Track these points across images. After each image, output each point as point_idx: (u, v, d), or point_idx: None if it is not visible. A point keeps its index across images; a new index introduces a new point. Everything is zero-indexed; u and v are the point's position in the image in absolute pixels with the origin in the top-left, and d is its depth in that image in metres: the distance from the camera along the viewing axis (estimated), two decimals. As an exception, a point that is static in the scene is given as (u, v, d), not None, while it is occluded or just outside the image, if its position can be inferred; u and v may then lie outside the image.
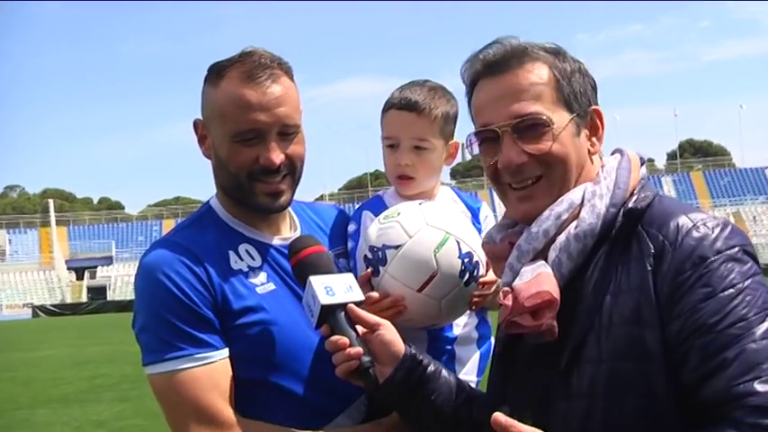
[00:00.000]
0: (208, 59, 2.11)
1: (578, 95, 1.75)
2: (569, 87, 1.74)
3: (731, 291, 1.51)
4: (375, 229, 2.18)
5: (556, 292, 1.62)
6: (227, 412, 1.92)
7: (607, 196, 1.68)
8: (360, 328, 1.90)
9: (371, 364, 1.84)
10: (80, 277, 74.32)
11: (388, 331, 1.91)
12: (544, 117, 1.70)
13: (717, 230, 1.58)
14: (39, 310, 57.97)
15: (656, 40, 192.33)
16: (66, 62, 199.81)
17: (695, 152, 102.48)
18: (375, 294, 2.08)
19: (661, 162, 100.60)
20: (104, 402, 11.86)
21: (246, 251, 2.08)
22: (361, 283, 2.07)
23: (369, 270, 2.13)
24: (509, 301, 1.67)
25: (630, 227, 1.65)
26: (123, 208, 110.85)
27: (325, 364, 2.02)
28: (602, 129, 1.78)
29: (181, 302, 1.93)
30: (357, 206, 2.55)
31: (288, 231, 2.19)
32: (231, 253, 2.05)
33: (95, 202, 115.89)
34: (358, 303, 1.90)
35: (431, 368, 1.93)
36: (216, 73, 2.05)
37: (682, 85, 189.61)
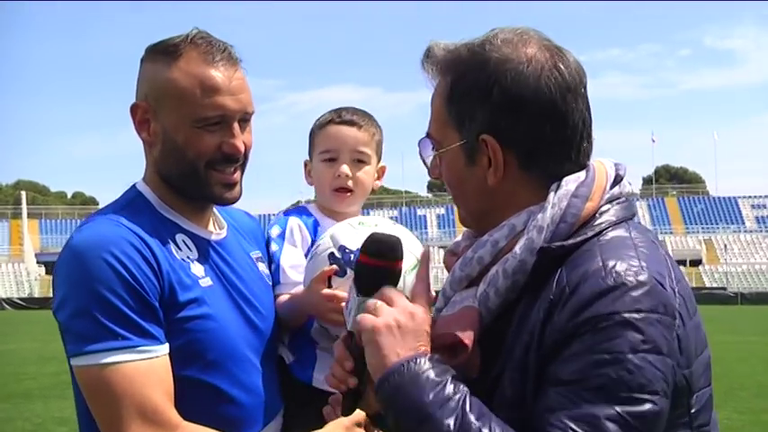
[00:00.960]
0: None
1: (463, 120, 1.56)
2: (456, 111, 1.57)
3: (606, 356, 1.31)
4: (348, 231, 2.17)
5: (468, 337, 1.47)
6: (172, 412, 1.77)
7: (548, 230, 1.46)
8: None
9: (359, 396, 1.66)
10: (50, 271, 73.16)
11: None
12: (435, 139, 1.63)
13: (626, 288, 1.36)
14: (5, 302, 57.13)
15: (635, 66, 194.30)
16: (46, 57, 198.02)
17: (671, 178, 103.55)
18: (342, 294, 2.04)
19: (637, 186, 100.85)
20: (68, 399, 11.53)
21: (183, 242, 1.94)
22: (321, 278, 2.11)
23: (334, 267, 2.13)
24: (431, 335, 1.55)
25: (546, 265, 1.45)
26: (97, 203, 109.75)
27: (258, 369, 1.98)
28: (496, 157, 1.53)
29: (129, 286, 1.75)
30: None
31: (214, 228, 2.08)
32: (170, 242, 1.91)
33: (69, 196, 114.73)
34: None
35: None
36: (166, 52, 1.90)
37: (659, 111, 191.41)
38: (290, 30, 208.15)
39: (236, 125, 1.91)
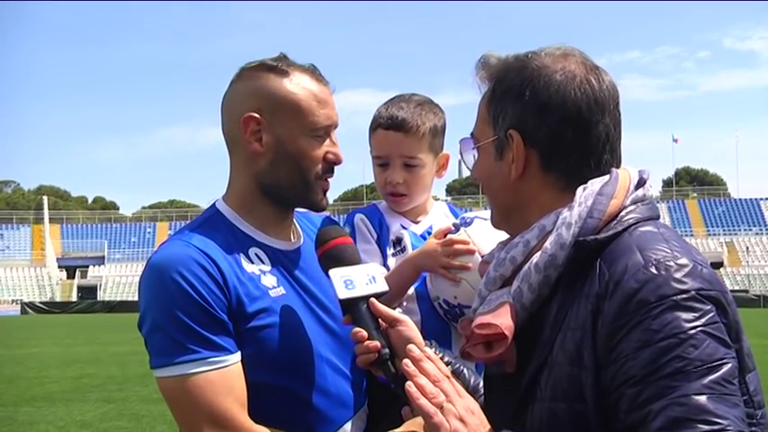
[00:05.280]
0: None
1: (498, 118, 1.68)
2: (494, 109, 1.70)
3: (671, 340, 1.36)
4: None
5: (507, 327, 1.55)
6: (243, 417, 1.88)
7: (576, 226, 1.54)
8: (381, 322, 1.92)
9: (389, 356, 1.85)
10: (71, 276, 74.07)
11: (407, 327, 1.90)
12: (473, 136, 1.77)
13: (668, 273, 1.42)
14: (28, 306, 57.67)
15: (654, 68, 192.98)
16: (66, 62, 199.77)
17: (691, 180, 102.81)
18: (459, 238, 2.25)
19: (657, 188, 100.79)
20: (89, 402, 11.79)
21: (257, 255, 2.06)
22: (439, 234, 2.30)
23: (450, 226, 2.31)
24: (467, 331, 1.66)
25: (583, 259, 1.52)
26: (118, 208, 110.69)
27: (334, 372, 2.06)
28: (519, 154, 1.64)
29: (196, 303, 1.88)
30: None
31: (293, 238, 2.20)
32: (242, 256, 2.03)
33: (90, 201, 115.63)
34: (381, 294, 1.92)
35: (449, 367, 1.92)
36: (274, 68, 2.05)
37: (679, 113, 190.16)
38: (308, 34, 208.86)
39: (333, 136, 2.09)
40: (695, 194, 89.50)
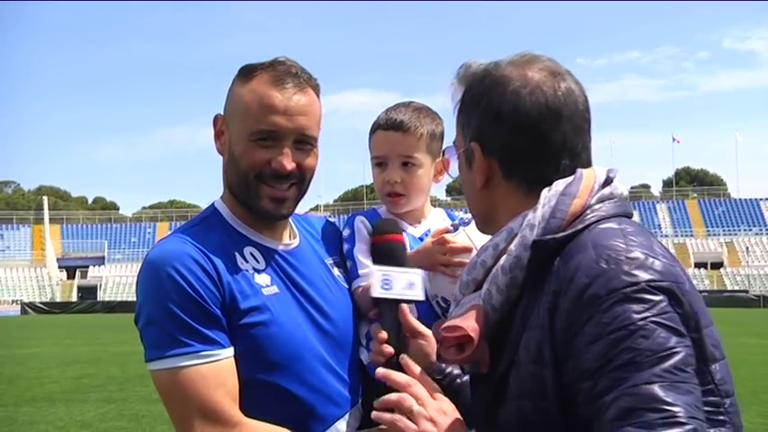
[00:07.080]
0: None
1: (465, 129, 1.73)
2: (462, 120, 1.74)
3: (621, 332, 1.37)
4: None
5: (473, 329, 1.58)
6: (233, 411, 1.91)
7: (539, 227, 1.56)
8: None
9: (395, 366, 1.85)
10: (71, 276, 74.15)
11: (428, 344, 1.95)
12: (452, 143, 1.82)
13: (618, 266, 1.42)
14: (28, 306, 57.69)
15: (654, 68, 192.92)
16: (66, 62, 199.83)
17: (691, 180, 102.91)
18: (454, 239, 2.29)
19: (657, 189, 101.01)
20: (90, 403, 11.81)
21: (251, 254, 2.10)
22: (436, 234, 2.33)
23: (448, 226, 2.36)
24: (439, 335, 1.69)
25: (544, 259, 1.53)
26: (118, 209, 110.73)
27: (326, 370, 2.08)
28: (478, 163, 1.68)
29: (190, 298, 1.92)
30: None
31: (288, 239, 2.23)
32: (237, 254, 2.07)
33: (90, 201, 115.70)
34: (413, 302, 1.97)
35: (458, 381, 1.97)
36: (245, 73, 2.10)
37: (679, 113, 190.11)
38: (308, 34, 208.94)
39: (287, 144, 2.05)
40: (695, 195, 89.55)
